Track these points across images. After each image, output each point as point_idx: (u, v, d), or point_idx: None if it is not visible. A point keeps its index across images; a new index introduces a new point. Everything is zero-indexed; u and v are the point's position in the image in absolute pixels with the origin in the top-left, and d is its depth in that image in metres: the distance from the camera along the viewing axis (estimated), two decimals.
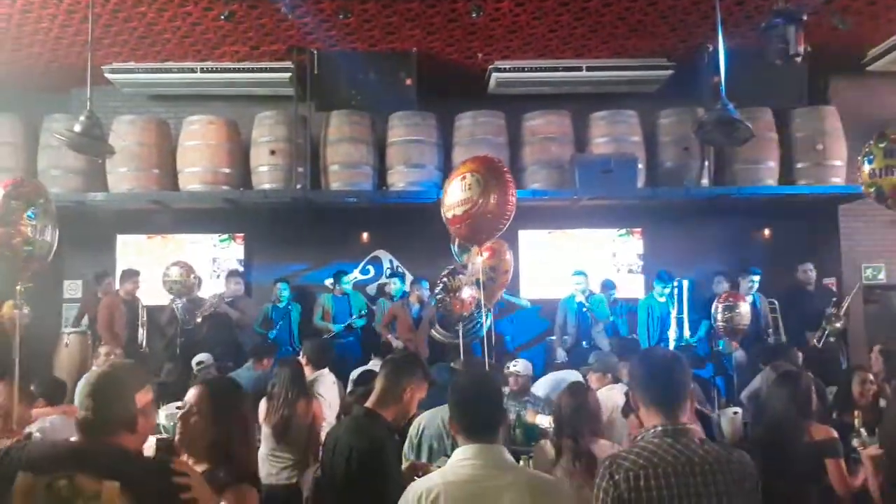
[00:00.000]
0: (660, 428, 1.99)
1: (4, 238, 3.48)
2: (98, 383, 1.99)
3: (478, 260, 4.64)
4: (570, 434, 3.22)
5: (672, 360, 2.14)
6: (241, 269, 8.12)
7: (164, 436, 4.50)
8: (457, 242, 6.57)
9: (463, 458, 2.15)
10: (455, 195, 4.06)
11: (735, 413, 5.03)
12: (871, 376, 4.46)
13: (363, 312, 7.66)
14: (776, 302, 7.40)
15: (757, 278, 7.19)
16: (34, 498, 1.74)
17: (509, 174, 4.11)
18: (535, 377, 5.56)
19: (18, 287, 3.67)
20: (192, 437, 2.25)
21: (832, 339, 6.95)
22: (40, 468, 1.78)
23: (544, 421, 4.47)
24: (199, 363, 6.04)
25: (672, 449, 1.94)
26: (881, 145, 4.26)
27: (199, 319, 7.18)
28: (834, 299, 7.24)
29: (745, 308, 6.29)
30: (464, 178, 4.01)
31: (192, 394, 2.31)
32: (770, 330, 7.22)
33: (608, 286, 7.65)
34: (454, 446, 2.30)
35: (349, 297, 7.76)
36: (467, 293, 5.76)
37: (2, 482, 1.77)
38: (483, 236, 4.12)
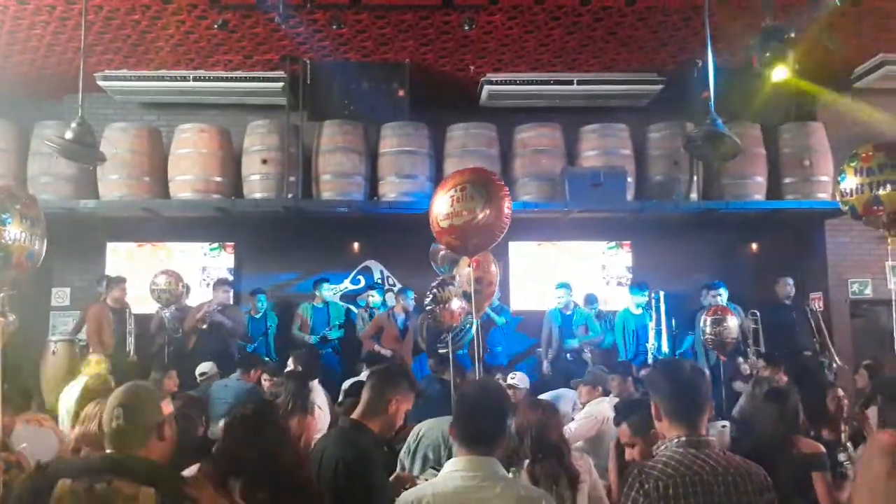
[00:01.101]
0: (683, 438, 2.02)
1: None
2: (127, 392, 2.13)
3: (464, 271, 4.63)
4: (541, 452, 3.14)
5: (697, 373, 2.17)
6: (230, 277, 8.08)
7: None
8: (439, 257, 6.59)
9: (454, 469, 2.18)
10: (448, 206, 3.98)
11: (724, 427, 5.05)
12: (841, 392, 4.53)
13: (338, 323, 7.60)
14: (758, 313, 7.42)
15: (723, 292, 7.20)
16: (74, 500, 1.83)
17: (506, 187, 4.07)
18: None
19: (1, 295, 3.62)
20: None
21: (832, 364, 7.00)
22: (78, 476, 1.88)
23: None
24: (202, 374, 6.02)
25: (697, 459, 1.97)
26: (852, 164, 4.31)
27: (204, 325, 7.09)
28: (817, 341, 7.21)
29: (732, 321, 6.32)
30: (463, 188, 3.93)
31: (221, 427, 2.40)
32: (750, 341, 7.24)
33: (591, 300, 7.69)
34: (449, 458, 2.31)
35: (329, 307, 7.73)
36: (457, 304, 5.75)
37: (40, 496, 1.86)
38: (476, 248, 4.08)
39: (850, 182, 4.30)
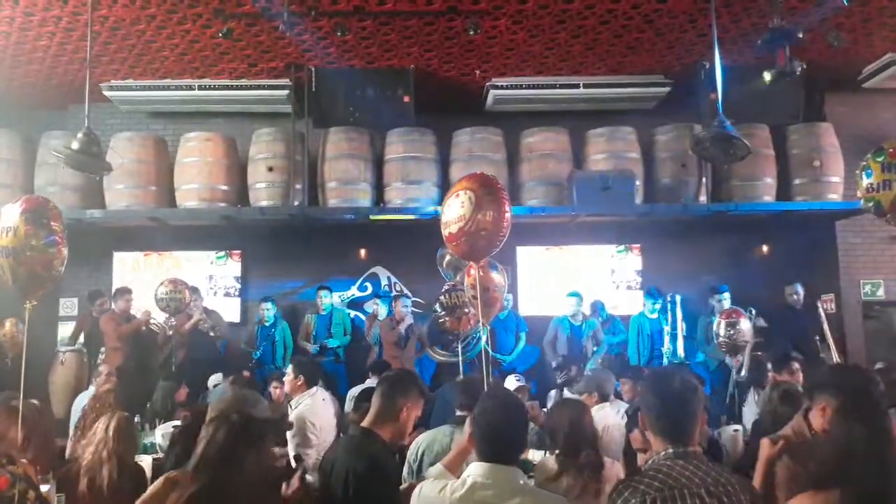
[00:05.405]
0: (671, 451, 2.00)
1: (47, 260, 3.43)
2: None
3: (469, 275, 4.60)
4: (573, 446, 3.18)
5: (686, 389, 2.11)
6: (197, 285, 7.70)
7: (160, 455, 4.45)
8: (444, 262, 6.55)
9: (473, 475, 2.20)
10: (452, 212, 4.05)
11: (735, 431, 4.99)
12: None
13: (340, 331, 7.53)
14: (754, 312, 7.29)
15: (727, 296, 7.12)
16: None
17: (503, 191, 4.09)
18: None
19: (27, 306, 3.60)
20: None
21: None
22: None
23: (537, 456, 4.31)
24: (215, 385, 5.97)
25: (685, 471, 1.95)
26: (879, 159, 4.23)
27: (213, 334, 7.07)
28: (819, 338, 7.08)
29: (745, 325, 6.25)
30: (457, 195, 4.03)
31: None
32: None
33: (598, 307, 7.62)
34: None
35: (332, 315, 7.66)
36: (464, 311, 5.72)
37: None
38: (480, 253, 4.11)
39: (876, 178, 4.21)
